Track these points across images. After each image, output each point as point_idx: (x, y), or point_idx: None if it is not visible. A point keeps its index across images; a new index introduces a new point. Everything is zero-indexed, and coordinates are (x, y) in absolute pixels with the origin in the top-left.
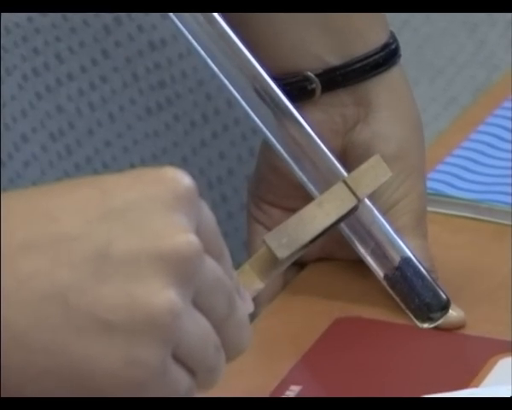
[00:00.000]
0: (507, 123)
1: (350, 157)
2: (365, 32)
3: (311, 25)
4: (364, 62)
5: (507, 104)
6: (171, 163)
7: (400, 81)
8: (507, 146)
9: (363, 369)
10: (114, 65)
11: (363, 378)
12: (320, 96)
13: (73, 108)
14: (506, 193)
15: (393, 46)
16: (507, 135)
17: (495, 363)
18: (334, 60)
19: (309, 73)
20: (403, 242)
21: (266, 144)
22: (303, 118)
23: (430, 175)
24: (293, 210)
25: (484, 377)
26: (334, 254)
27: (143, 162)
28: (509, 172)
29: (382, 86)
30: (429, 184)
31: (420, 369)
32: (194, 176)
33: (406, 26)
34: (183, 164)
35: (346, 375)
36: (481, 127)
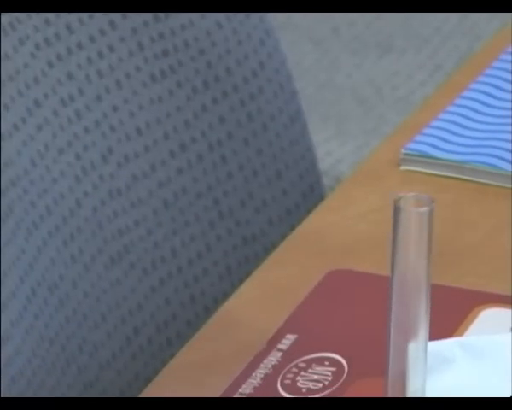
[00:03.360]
0: (489, 89)
1: None
2: None
3: None
4: None
5: (489, 71)
6: (175, 127)
7: None
8: (490, 110)
9: (353, 318)
10: (121, 35)
11: (353, 327)
12: None
13: (83, 76)
14: (489, 155)
15: None
16: (489, 100)
17: (478, 313)
18: None
19: None
20: None
21: None
22: None
23: (417, 138)
24: None
25: (467, 327)
26: None
27: (148, 126)
28: (491, 134)
29: None
30: (416, 146)
31: None
32: (196, 139)
33: None
34: (186, 128)
35: (338, 324)
36: (465, 93)
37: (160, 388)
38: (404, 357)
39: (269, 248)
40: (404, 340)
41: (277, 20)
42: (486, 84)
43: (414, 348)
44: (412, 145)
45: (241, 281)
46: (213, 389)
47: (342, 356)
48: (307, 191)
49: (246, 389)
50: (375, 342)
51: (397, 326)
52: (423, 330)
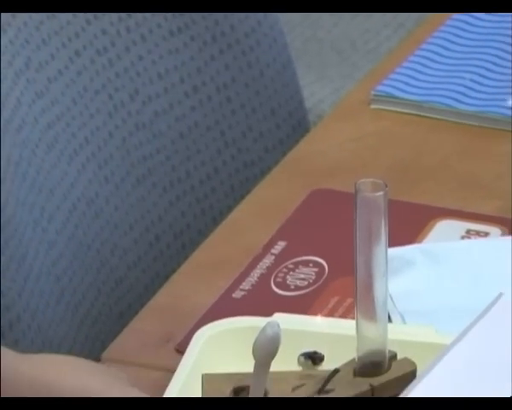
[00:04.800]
0: (443, 42)
1: None
2: None
3: None
4: None
5: (443, 28)
6: (189, 73)
7: None
8: (444, 60)
9: (332, 228)
10: None
11: (332, 235)
12: None
13: (114, 31)
14: (443, 95)
15: None
16: (444, 52)
17: (434, 225)
18: None
19: None
20: None
21: None
22: None
23: (384, 82)
24: None
25: (425, 236)
26: None
27: (167, 72)
28: (445, 79)
29: None
30: (383, 88)
31: None
32: (206, 83)
33: None
34: (198, 73)
35: (320, 233)
36: (423, 46)
37: (177, 284)
38: (368, 261)
39: (265, 171)
40: (368, 246)
41: None
42: (441, 38)
43: (377, 252)
44: (380, 88)
45: (242, 198)
46: (218, 285)
47: (323, 259)
48: (296, 125)
49: (245, 286)
50: (349, 247)
51: (362, 236)
52: (384, 237)
